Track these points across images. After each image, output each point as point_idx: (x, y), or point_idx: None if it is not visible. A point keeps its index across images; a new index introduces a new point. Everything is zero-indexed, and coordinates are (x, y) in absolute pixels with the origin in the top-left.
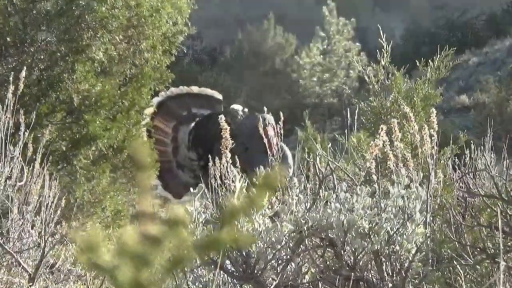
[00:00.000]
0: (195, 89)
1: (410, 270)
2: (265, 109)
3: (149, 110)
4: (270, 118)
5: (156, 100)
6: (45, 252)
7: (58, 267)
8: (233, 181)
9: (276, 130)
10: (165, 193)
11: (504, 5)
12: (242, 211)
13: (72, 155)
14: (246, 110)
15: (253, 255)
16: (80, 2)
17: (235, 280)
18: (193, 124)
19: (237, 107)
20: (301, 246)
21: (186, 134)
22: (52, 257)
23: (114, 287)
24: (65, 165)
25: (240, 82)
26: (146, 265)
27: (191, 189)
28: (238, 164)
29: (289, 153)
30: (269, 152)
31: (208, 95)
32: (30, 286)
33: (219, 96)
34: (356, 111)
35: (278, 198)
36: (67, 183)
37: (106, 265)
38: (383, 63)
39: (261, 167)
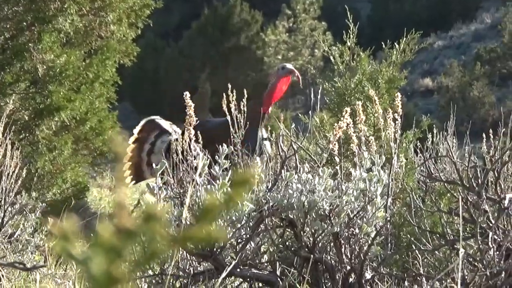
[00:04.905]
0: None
1: (369, 254)
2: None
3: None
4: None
5: None
6: (4, 222)
7: (17, 237)
8: (194, 158)
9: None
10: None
11: None
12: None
13: (35, 125)
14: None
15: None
16: None
17: (194, 258)
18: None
19: (289, 66)
20: (261, 225)
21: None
22: (11, 227)
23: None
24: (27, 135)
25: (204, 58)
26: (119, 257)
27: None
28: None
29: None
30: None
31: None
32: None
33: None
34: (320, 91)
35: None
36: (29, 153)
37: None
38: (349, 43)
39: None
